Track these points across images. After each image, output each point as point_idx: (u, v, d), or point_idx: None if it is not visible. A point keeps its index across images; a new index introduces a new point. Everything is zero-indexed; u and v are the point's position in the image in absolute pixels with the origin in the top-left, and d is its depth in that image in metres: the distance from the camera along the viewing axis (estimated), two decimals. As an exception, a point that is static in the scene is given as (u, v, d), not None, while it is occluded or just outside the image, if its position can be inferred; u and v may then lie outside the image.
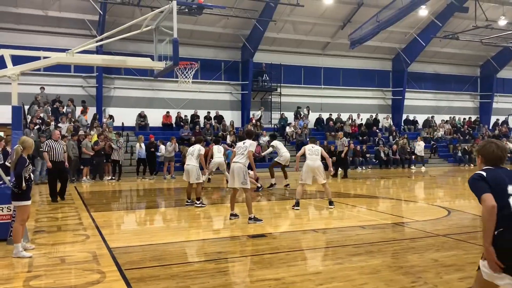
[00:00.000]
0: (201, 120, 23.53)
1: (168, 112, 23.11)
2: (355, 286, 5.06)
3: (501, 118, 31.15)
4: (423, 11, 23.74)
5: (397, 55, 28.15)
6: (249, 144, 8.61)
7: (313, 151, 10.58)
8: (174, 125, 23.07)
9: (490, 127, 30.17)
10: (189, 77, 10.12)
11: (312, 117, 26.23)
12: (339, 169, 19.46)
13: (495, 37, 25.62)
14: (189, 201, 10.91)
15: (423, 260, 6.16)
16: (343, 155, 19.05)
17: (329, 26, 25.40)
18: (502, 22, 24.83)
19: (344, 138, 19.90)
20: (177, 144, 19.08)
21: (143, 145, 18.35)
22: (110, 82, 22.80)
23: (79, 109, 20.91)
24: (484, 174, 3.41)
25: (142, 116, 22.38)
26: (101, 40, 10.23)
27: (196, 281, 5.24)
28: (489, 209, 3.21)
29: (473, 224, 8.73)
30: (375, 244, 7.00)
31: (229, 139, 21.20)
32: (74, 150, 16.74)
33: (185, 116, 23.36)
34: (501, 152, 3.54)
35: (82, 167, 17.15)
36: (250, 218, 8.48)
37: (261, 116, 24.59)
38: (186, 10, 17.98)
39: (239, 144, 8.90)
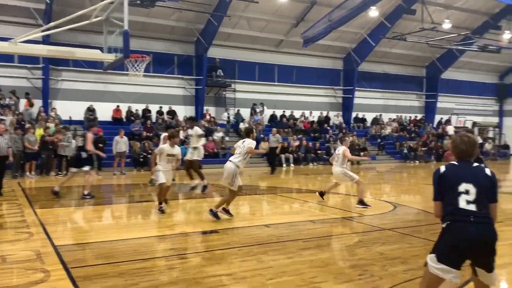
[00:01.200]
0: (153, 115, 23.07)
1: (118, 106, 22.49)
2: (304, 280, 5.15)
3: (445, 117, 32.65)
4: (373, 12, 24.39)
5: (348, 54, 28.81)
6: (248, 143, 8.32)
7: (336, 155, 10.37)
8: (124, 120, 22.49)
9: (434, 126, 31.55)
10: (140, 70, 9.88)
11: (266, 113, 26.38)
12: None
13: (440, 39, 26.77)
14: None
15: (370, 253, 6.36)
16: (277, 151, 19.20)
17: (283, 24, 25.61)
18: (447, 25, 25.96)
19: (278, 135, 19.82)
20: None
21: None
22: (57, 74, 21.87)
23: (23, 102, 19.94)
24: (442, 170, 3.55)
25: (91, 110, 21.65)
26: (47, 29, 9.81)
27: (145, 278, 5.15)
28: (436, 217, 3.58)
29: (417, 218, 9.10)
30: (325, 238, 7.16)
31: (182, 134, 20.91)
32: (17, 144, 16.00)
33: (136, 110, 22.82)
34: (464, 146, 3.58)
35: (22, 162, 16.37)
36: (211, 210, 8.24)
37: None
38: (138, 1, 17.55)
39: (239, 143, 8.62)
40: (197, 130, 11.84)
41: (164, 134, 12.62)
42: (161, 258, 6.10)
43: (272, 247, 6.59)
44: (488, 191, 3.47)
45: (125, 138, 18.28)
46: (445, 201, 3.49)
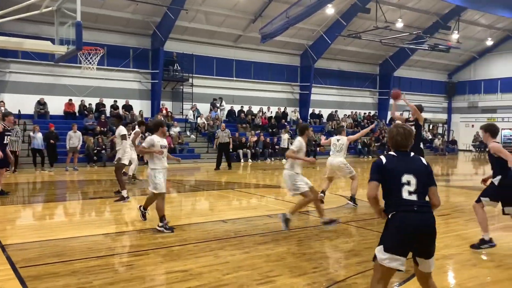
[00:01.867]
0: (107, 109, 22.48)
1: (70, 100, 21.74)
2: (260, 274, 5.20)
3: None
4: (329, 10, 24.80)
5: (305, 51, 29.18)
6: (295, 141, 7.53)
7: (338, 145, 9.70)
8: (77, 114, 21.78)
9: (387, 122, 32.52)
10: (94, 63, 9.58)
11: (225, 108, 26.32)
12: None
13: (393, 38, 27.60)
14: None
15: (325, 246, 6.52)
16: (230, 146, 19.03)
17: (241, 19, 25.57)
18: (399, 24, 26.81)
19: (227, 129, 19.23)
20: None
21: (39, 134, 17.05)
22: (5, 66, 20.85)
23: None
24: (384, 161, 3.70)
25: (41, 104, 20.83)
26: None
27: (99, 276, 5.04)
28: (368, 196, 3.66)
29: (370, 212, 9.30)
30: (281, 232, 7.24)
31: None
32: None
33: (90, 104, 22.16)
34: (400, 138, 3.73)
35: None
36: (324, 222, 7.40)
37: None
38: (92, -8, 16.94)
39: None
40: (121, 130, 10.23)
41: (137, 129, 11.78)
42: (116, 255, 5.98)
43: (229, 242, 6.61)
44: (426, 179, 3.65)
45: (78, 133, 17.74)
46: (389, 192, 3.65)
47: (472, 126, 35.70)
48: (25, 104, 20.45)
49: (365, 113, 32.23)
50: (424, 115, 32.15)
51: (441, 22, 29.50)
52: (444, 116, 37.75)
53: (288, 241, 6.69)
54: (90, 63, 9.68)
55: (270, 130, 25.93)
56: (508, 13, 28.51)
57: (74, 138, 17.40)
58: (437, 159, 27.88)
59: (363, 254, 6.06)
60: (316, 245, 6.52)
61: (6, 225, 7.79)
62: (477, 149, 33.80)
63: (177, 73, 24.73)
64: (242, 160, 22.27)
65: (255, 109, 27.14)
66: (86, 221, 8.48)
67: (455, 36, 29.47)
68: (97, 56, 9.79)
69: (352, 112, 31.52)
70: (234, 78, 27.31)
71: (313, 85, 29.38)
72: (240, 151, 22.40)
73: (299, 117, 28.62)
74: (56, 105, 21.35)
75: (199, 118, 24.43)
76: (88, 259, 5.66)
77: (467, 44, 33.13)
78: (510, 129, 33.73)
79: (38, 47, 8.75)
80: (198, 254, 5.97)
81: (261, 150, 23.64)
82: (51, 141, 17.20)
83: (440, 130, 36.22)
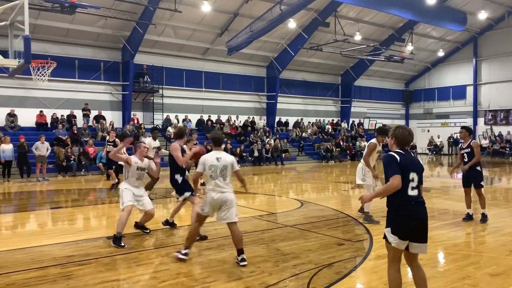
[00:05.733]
0: (79, 120, 21.92)
1: (41, 112, 21.11)
2: (197, 280, 5.06)
3: (357, 121, 34.14)
4: (291, 24, 24.92)
5: (270, 63, 29.22)
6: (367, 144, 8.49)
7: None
8: (49, 125, 21.17)
9: (349, 128, 32.84)
10: (45, 75, 9.23)
11: (194, 118, 26.06)
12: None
13: (352, 50, 27.93)
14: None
15: (267, 250, 6.39)
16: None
17: (208, 33, 25.44)
18: (358, 37, 27.17)
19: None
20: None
21: (9, 146, 16.48)
22: (-25, 79, 20.14)
23: None
24: (398, 158, 3.91)
25: (12, 116, 20.15)
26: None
27: (34, 288, 4.78)
28: (394, 187, 3.82)
29: (319, 215, 9.22)
30: (228, 237, 7.06)
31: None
32: None
33: (62, 116, 21.57)
34: (410, 137, 4.07)
35: None
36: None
37: None
38: (59, 8, 16.54)
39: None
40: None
41: (148, 140, 10.78)
42: (58, 266, 5.70)
43: (175, 249, 6.40)
44: (421, 176, 4.00)
45: (46, 144, 17.20)
46: None
47: (428, 131, 36.41)
48: (-5, 116, 19.78)
49: (328, 121, 32.45)
50: (384, 121, 32.40)
51: (396, 35, 30.07)
52: (402, 122, 38.30)
53: (232, 246, 6.51)
54: (43, 75, 9.33)
55: (238, 138, 25.78)
56: (456, 27, 29.30)
57: (41, 148, 16.85)
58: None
59: (301, 257, 5.96)
60: (258, 249, 6.39)
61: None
62: (432, 152, 34.46)
63: (147, 85, 24.36)
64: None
65: (224, 118, 26.98)
66: (35, 232, 8.13)
67: (409, 47, 30.03)
68: (49, 69, 9.45)
69: (316, 119, 31.69)
70: (203, 89, 27.10)
71: (279, 94, 29.42)
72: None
73: (265, 124, 28.58)
74: (27, 117, 20.70)
75: (169, 127, 24.07)
76: (26, 270, 5.39)
77: (421, 55, 33.84)
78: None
79: (-12, 60, 8.38)
80: (140, 262, 5.77)
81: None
82: (22, 151, 16.61)
83: (398, 135, 36.68)
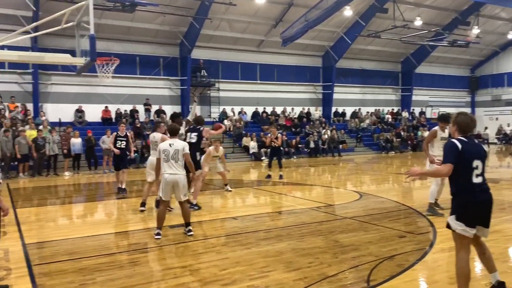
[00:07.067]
0: (141, 114, 22.88)
1: (107, 107, 22.27)
2: (256, 269, 5.11)
3: (418, 110, 32.76)
4: (348, 12, 24.31)
5: (326, 52, 28.73)
6: None
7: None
8: (114, 120, 22.28)
9: (410, 118, 31.61)
10: (109, 72, 9.70)
11: (249, 110, 26.31)
12: None
13: (412, 36, 26.77)
14: None
15: (326, 241, 6.33)
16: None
17: (263, 25, 25.45)
18: (418, 22, 25.98)
19: (278, 134, 18.08)
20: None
21: (78, 140, 17.57)
22: (47, 78, 21.57)
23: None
24: (460, 146, 3.84)
25: (80, 112, 21.43)
26: (29, 34, 9.59)
27: (103, 273, 5.08)
28: (441, 174, 3.99)
29: (379, 207, 8.99)
30: (286, 228, 7.11)
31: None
32: (9, 146, 15.86)
33: (125, 111, 22.63)
34: (473, 124, 4.04)
35: (15, 163, 16.21)
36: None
37: None
38: (120, 7, 17.27)
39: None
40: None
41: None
42: (124, 253, 6.02)
43: (234, 239, 6.54)
44: (485, 163, 3.94)
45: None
46: (459, 175, 3.83)
47: (496, 119, 34.23)
48: (65, 112, 21.12)
49: (388, 110, 31.43)
50: (447, 110, 30.95)
51: (460, 18, 28.38)
52: (467, 110, 36.27)
53: (290, 237, 6.55)
54: (107, 72, 9.82)
55: (293, 129, 25.67)
56: (528, 6, 27.12)
57: (107, 142, 17.73)
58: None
59: (361, 249, 5.85)
60: (317, 241, 6.35)
61: (33, 225, 7.99)
62: (501, 141, 32.35)
63: (204, 79, 24.88)
64: (263, 158, 22.11)
65: (279, 110, 26.97)
66: (103, 221, 8.60)
67: (475, 31, 28.27)
68: (113, 66, 9.92)
69: (375, 109, 30.79)
70: (258, 81, 27.21)
71: (335, 84, 28.88)
72: (262, 150, 22.25)
73: (321, 115, 28.21)
74: (93, 113, 21.94)
75: (225, 121, 24.48)
76: (96, 256, 5.72)
77: (488, 39, 31.74)
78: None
79: (58, 59, 8.95)
80: (201, 251, 5.94)
81: (286, 149, 23.39)
82: (89, 145, 17.64)
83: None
